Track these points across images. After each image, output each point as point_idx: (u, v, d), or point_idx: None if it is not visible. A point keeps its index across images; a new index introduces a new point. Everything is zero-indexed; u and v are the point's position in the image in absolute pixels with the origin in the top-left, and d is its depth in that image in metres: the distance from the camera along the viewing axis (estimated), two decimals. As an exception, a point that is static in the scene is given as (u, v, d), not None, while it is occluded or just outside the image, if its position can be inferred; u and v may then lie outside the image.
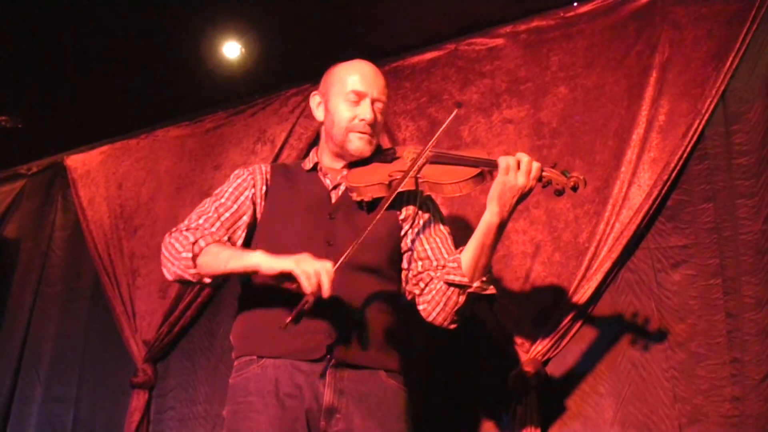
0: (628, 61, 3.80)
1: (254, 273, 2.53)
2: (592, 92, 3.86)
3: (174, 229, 2.75)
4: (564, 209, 3.75)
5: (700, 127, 3.50)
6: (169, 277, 2.70)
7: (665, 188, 3.52)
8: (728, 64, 3.50)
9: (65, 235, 5.80)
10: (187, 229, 2.71)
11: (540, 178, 2.55)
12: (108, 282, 5.23)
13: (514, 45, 4.18)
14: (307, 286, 2.35)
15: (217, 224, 2.75)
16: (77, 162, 5.83)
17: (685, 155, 3.51)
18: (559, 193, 2.56)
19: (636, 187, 3.57)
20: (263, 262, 2.48)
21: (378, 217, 2.57)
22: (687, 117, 3.54)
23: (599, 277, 3.54)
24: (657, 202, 3.52)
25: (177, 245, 2.65)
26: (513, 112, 4.05)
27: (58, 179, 5.95)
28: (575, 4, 4.06)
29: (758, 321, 3.22)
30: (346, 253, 2.48)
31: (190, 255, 2.61)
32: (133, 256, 5.23)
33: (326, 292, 2.36)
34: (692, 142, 3.51)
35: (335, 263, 2.43)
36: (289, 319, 2.37)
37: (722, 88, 3.50)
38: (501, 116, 4.07)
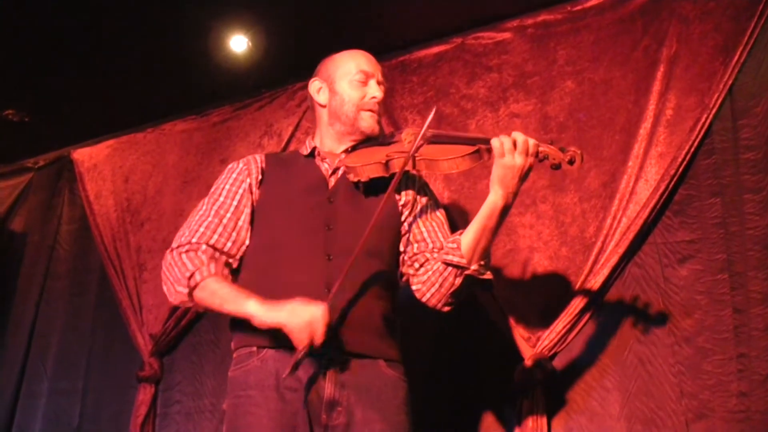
0: (636, 56, 3.80)
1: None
2: (599, 86, 3.86)
3: (176, 244, 2.74)
4: (571, 204, 3.75)
5: (708, 121, 3.50)
6: (169, 299, 2.71)
7: (672, 183, 3.51)
8: (736, 58, 3.50)
9: (72, 228, 5.81)
10: (188, 249, 2.70)
11: (536, 154, 2.55)
12: (114, 275, 5.23)
13: (521, 39, 4.17)
14: (298, 342, 2.41)
15: (219, 229, 2.75)
16: (84, 156, 5.83)
17: (692, 150, 3.50)
18: (556, 167, 2.55)
19: (643, 182, 3.57)
20: (257, 313, 2.49)
21: (382, 204, 2.60)
22: (694, 111, 3.53)
23: (606, 271, 3.53)
24: (664, 197, 3.52)
25: (177, 272, 2.65)
26: (520, 107, 4.04)
27: (65, 173, 5.96)
28: (582, -3, 4.06)
29: (765, 316, 3.21)
30: (340, 279, 2.51)
31: (186, 291, 2.61)
32: (140, 249, 5.24)
33: (318, 341, 2.40)
34: (699, 136, 3.50)
35: (332, 289, 2.50)
36: (287, 371, 2.42)
37: (730, 82, 3.49)
38: (508, 110, 4.07)
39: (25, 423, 5.40)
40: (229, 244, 2.75)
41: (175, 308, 4.81)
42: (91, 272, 5.54)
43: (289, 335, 2.41)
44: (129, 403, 4.82)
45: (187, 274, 2.61)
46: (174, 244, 2.75)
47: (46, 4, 4.28)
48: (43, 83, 5.11)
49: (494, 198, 2.56)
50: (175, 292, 2.65)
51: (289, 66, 4.78)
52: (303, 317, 2.40)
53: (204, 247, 2.71)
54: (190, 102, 5.35)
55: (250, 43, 4.59)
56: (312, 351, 2.42)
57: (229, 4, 4.32)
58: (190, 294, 2.61)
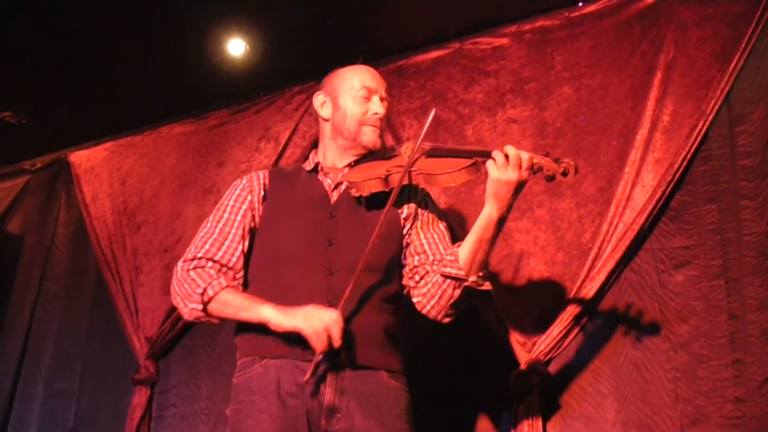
0: (633, 62, 3.80)
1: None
2: (596, 92, 3.86)
3: (183, 260, 2.81)
4: (567, 209, 3.75)
5: (704, 128, 3.50)
6: (183, 317, 2.77)
7: (669, 189, 3.52)
8: (733, 65, 3.50)
9: (68, 231, 5.80)
10: (194, 267, 2.76)
11: (531, 167, 2.56)
12: (111, 278, 5.23)
13: (519, 45, 4.18)
14: (317, 345, 2.47)
15: (225, 246, 2.81)
16: (81, 158, 5.83)
17: (689, 156, 3.51)
18: (550, 178, 2.57)
19: (640, 188, 3.57)
20: (273, 318, 2.57)
21: (381, 220, 2.63)
22: (691, 118, 3.54)
23: (602, 277, 3.53)
24: (660, 203, 3.52)
25: (187, 288, 2.71)
26: (517, 112, 4.05)
27: (62, 175, 5.95)
28: (580, 4, 4.06)
29: (761, 322, 3.22)
30: (348, 289, 2.57)
31: (200, 307, 2.68)
32: (136, 252, 5.24)
33: (336, 343, 2.48)
34: (696, 143, 3.51)
35: (341, 291, 2.57)
36: (307, 377, 2.50)
37: (727, 89, 3.50)
38: (505, 116, 4.07)
39: (20, 425, 5.39)
40: (233, 260, 2.81)
41: (171, 311, 4.81)
42: (87, 275, 5.53)
43: (307, 339, 2.48)
44: (124, 405, 4.82)
45: (199, 290, 2.68)
46: (181, 261, 2.81)
47: (44, 7, 4.27)
48: (41, 86, 5.11)
49: (489, 211, 2.58)
50: (188, 309, 2.71)
51: (287, 70, 4.80)
52: (320, 321, 2.48)
53: (210, 263, 2.77)
54: (187, 105, 5.35)
55: (248, 47, 4.60)
56: (330, 354, 2.49)
57: (228, 8, 4.32)
58: (205, 309, 2.68)
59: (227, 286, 2.70)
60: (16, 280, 5.87)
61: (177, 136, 5.44)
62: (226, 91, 5.12)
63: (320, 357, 2.48)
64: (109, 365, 5.15)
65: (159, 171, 5.41)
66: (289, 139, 4.82)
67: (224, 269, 2.78)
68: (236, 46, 4.60)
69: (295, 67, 4.72)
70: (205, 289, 2.67)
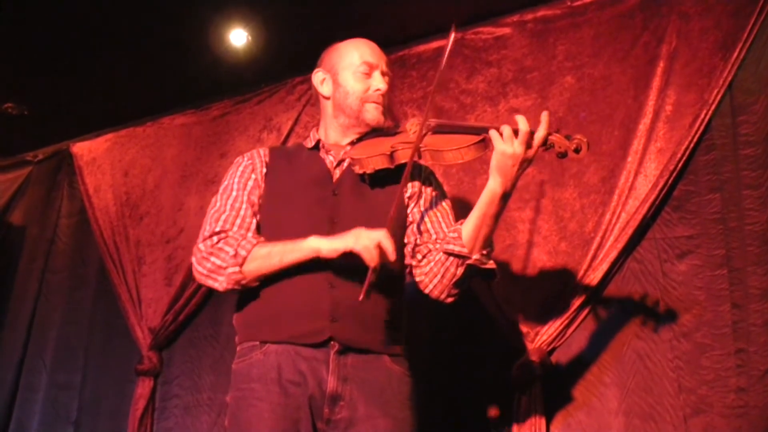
0: (635, 52, 3.80)
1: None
2: (598, 82, 3.86)
3: (200, 239, 2.73)
4: (570, 199, 3.75)
5: (707, 117, 3.50)
6: (219, 289, 2.68)
7: (671, 178, 3.51)
8: (735, 54, 3.50)
9: (71, 222, 5.81)
10: (217, 240, 2.69)
11: (544, 143, 2.50)
12: (113, 269, 5.24)
13: (521, 34, 4.17)
14: (370, 260, 2.42)
15: (238, 221, 2.75)
16: (83, 149, 5.84)
17: (691, 146, 3.51)
18: (562, 155, 2.50)
19: (642, 177, 3.57)
20: (322, 246, 2.53)
21: (402, 183, 2.60)
22: (694, 107, 3.53)
23: (605, 266, 3.53)
24: (663, 193, 3.52)
25: (217, 261, 2.64)
26: (519, 102, 4.04)
27: (64, 166, 5.97)
28: (582, -7, 4.06)
29: (764, 312, 3.22)
30: (390, 215, 2.54)
31: (237, 269, 2.61)
32: (139, 243, 5.25)
33: (391, 257, 2.44)
34: (699, 132, 3.50)
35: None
36: (362, 295, 2.43)
37: (729, 78, 3.49)
38: (507, 105, 4.07)
39: (23, 416, 5.41)
40: (249, 235, 2.73)
41: (173, 302, 4.82)
42: (89, 266, 5.55)
43: (360, 255, 2.43)
44: (127, 396, 4.83)
45: (231, 253, 2.62)
46: (199, 242, 2.73)
47: (45, -2, 4.29)
48: (43, 77, 5.11)
49: (493, 185, 2.53)
50: (225, 276, 2.63)
51: (289, 60, 4.78)
52: (369, 238, 2.44)
53: (230, 233, 2.71)
54: (189, 96, 5.35)
55: (249, 37, 4.59)
56: (382, 269, 2.45)
57: (229, -2, 4.33)
58: (242, 269, 2.60)
59: (257, 243, 2.64)
60: (19, 271, 5.89)
61: (179, 127, 5.45)
62: (227, 82, 5.12)
63: (373, 274, 2.42)
64: (112, 356, 5.16)
65: (161, 162, 5.42)
66: (291, 129, 4.81)
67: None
68: (238, 37, 4.59)
69: (297, 58, 4.69)
70: (236, 251, 2.61)
